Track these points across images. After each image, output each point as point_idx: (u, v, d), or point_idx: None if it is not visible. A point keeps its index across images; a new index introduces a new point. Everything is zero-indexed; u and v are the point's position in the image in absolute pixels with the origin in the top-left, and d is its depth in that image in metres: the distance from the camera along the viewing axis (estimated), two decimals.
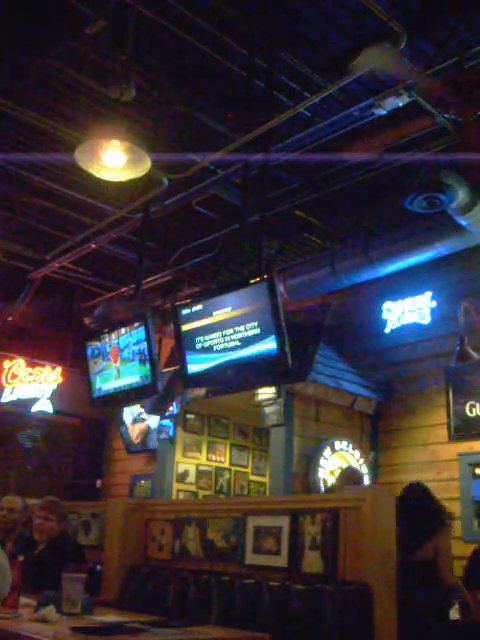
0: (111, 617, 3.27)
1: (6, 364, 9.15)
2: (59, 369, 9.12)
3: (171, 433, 7.81)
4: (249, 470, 8.63)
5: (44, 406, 8.99)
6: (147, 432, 8.39)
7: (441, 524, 4.15)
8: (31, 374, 9.10)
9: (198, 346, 4.75)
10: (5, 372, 9.13)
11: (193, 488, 7.91)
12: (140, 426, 8.47)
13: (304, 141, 5.29)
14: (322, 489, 6.39)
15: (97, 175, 4.00)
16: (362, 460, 6.82)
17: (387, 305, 7.09)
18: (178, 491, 7.75)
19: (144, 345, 5.29)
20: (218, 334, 4.61)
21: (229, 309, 4.54)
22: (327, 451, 6.55)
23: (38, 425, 9.08)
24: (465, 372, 5.96)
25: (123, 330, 5.53)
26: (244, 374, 4.53)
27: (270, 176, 5.21)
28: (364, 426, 7.09)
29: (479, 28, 4.28)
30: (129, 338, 5.44)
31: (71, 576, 3.20)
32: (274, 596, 3.28)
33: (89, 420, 9.40)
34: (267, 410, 6.55)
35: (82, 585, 3.23)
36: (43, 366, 9.15)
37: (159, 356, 6.43)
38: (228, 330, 4.54)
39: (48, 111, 5.23)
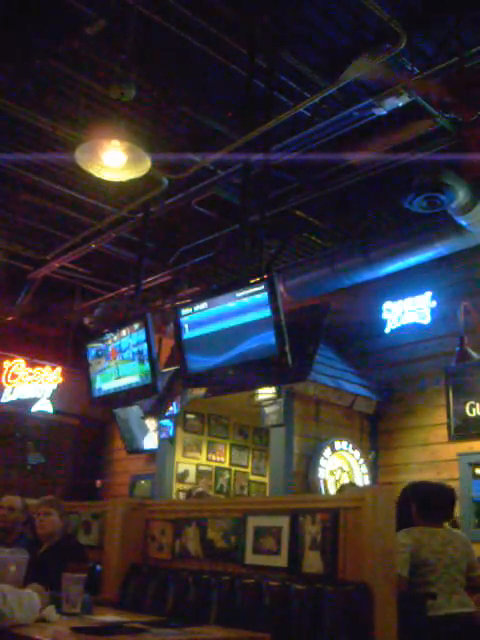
0: (111, 617, 3.27)
1: (6, 364, 9.15)
2: (59, 369, 9.12)
3: (171, 433, 7.81)
4: (249, 470, 8.63)
5: (44, 406, 8.99)
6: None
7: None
8: (31, 374, 9.10)
9: (198, 346, 4.75)
10: (5, 372, 9.13)
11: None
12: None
13: (304, 141, 5.29)
14: (322, 489, 6.40)
15: (97, 175, 4.00)
16: (362, 460, 6.82)
17: (387, 305, 7.09)
18: (178, 491, 7.75)
19: (144, 345, 5.29)
20: (218, 334, 4.61)
21: (229, 309, 4.54)
22: (327, 451, 6.55)
23: (38, 425, 9.08)
24: (465, 372, 5.96)
25: (123, 331, 5.53)
26: (244, 374, 4.53)
27: (270, 176, 5.21)
28: (364, 426, 7.09)
29: (479, 28, 4.28)
30: (129, 339, 5.45)
31: (71, 576, 3.20)
32: (274, 596, 3.28)
33: (89, 420, 9.40)
34: (267, 410, 6.56)
35: (82, 585, 3.23)
36: (43, 366, 9.15)
37: (159, 356, 6.44)
38: (228, 330, 4.55)
39: (48, 111, 5.23)
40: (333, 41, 4.53)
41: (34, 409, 8.94)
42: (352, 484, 6.27)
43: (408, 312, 6.93)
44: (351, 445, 6.79)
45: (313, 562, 3.30)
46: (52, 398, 9.01)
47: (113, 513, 4.49)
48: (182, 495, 7.51)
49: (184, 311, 4.87)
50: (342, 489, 5.81)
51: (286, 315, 4.32)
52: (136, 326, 5.40)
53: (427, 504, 3.89)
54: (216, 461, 8.33)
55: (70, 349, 9.19)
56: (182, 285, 7.86)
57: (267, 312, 4.29)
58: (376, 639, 2.96)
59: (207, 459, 8.24)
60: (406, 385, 6.93)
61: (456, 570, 3.64)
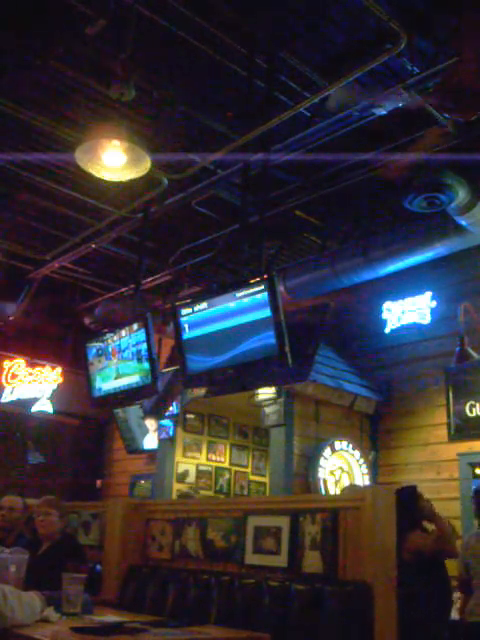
0: (111, 617, 3.27)
1: (6, 364, 9.15)
2: (59, 369, 9.12)
3: (171, 433, 7.81)
4: (249, 470, 8.64)
5: (44, 406, 8.99)
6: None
7: (409, 526, 4.12)
8: (31, 374, 9.10)
9: (198, 346, 4.75)
10: (5, 372, 9.13)
11: (193, 487, 7.91)
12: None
13: (304, 141, 5.29)
14: (322, 489, 6.40)
15: (97, 175, 3.99)
16: (362, 460, 6.82)
17: (387, 305, 7.09)
18: (177, 491, 7.75)
19: (144, 345, 5.29)
20: (218, 334, 4.61)
21: (229, 309, 4.54)
22: (327, 451, 6.55)
23: (38, 425, 9.08)
24: (465, 372, 5.96)
25: (123, 331, 5.53)
26: (244, 374, 4.53)
27: (270, 176, 5.20)
28: (364, 426, 7.09)
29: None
30: (129, 339, 5.45)
31: (71, 576, 3.20)
32: (274, 596, 3.28)
33: (89, 420, 9.40)
34: (267, 410, 6.55)
35: (82, 585, 3.23)
36: (43, 366, 9.15)
37: (159, 356, 6.43)
38: (228, 330, 4.54)
39: (48, 111, 5.23)
40: (333, 41, 4.53)
41: (34, 409, 8.93)
42: (353, 485, 6.27)
43: (408, 312, 6.93)
44: (351, 445, 6.78)
45: (313, 562, 3.31)
46: (52, 398, 9.01)
47: (113, 513, 4.50)
48: None
49: (184, 311, 4.87)
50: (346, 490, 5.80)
51: (286, 315, 4.32)
52: (136, 326, 5.39)
53: (476, 504, 3.90)
54: (216, 461, 8.33)
55: (70, 349, 9.19)
56: (182, 285, 7.86)
57: (267, 312, 4.29)
58: (376, 639, 2.96)
59: (207, 459, 8.24)
60: (406, 385, 6.93)
61: None
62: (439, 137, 4.97)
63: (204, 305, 4.75)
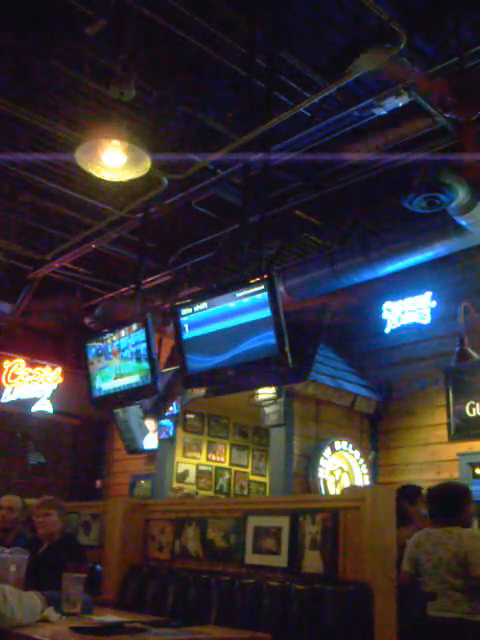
0: (111, 617, 3.27)
1: (6, 364, 9.15)
2: (59, 369, 9.12)
3: (171, 433, 7.81)
4: (249, 470, 8.64)
5: (44, 406, 8.99)
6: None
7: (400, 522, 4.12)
8: (31, 374, 9.10)
9: (198, 346, 4.75)
10: (5, 372, 9.13)
11: (193, 488, 7.91)
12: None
13: (304, 141, 5.29)
14: (322, 489, 6.40)
15: (97, 175, 3.99)
16: (362, 460, 6.83)
17: (387, 305, 7.09)
18: (172, 490, 7.74)
19: (144, 345, 5.28)
20: (218, 334, 4.61)
21: (229, 309, 4.54)
22: (327, 451, 6.56)
23: (38, 425, 9.08)
24: (465, 372, 5.96)
25: (123, 331, 5.52)
26: (244, 374, 4.52)
27: (270, 176, 5.20)
28: (364, 426, 7.10)
29: (479, 28, 4.28)
30: (128, 339, 5.44)
31: (71, 576, 3.20)
32: (274, 596, 3.28)
33: (89, 420, 9.40)
34: (267, 410, 6.56)
35: (82, 585, 3.23)
36: (43, 366, 9.15)
37: (159, 356, 6.43)
38: (228, 330, 4.54)
39: (48, 111, 5.22)
40: (333, 41, 4.53)
41: (34, 409, 8.94)
42: (353, 486, 6.29)
43: (408, 312, 6.93)
44: (351, 445, 6.79)
45: (313, 562, 3.31)
46: (52, 398, 9.01)
47: (113, 513, 4.50)
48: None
49: (184, 311, 4.87)
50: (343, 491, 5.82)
51: (286, 315, 4.31)
52: (136, 326, 5.39)
53: (430, 505, 3.92)
54: (216, 461, 8.33)
55: (70, 349, 9.19)
56: (182, 285, 7.85)
57: (267, 312, 4.29)
58: (376, 639, 2.96)
59: (207, 459, 8.25)
60: (406, 385, 6.93)
61: (446, 571, 3.56)
62: (423, 126, 4.97)
63: (204, 305, 4.74)
